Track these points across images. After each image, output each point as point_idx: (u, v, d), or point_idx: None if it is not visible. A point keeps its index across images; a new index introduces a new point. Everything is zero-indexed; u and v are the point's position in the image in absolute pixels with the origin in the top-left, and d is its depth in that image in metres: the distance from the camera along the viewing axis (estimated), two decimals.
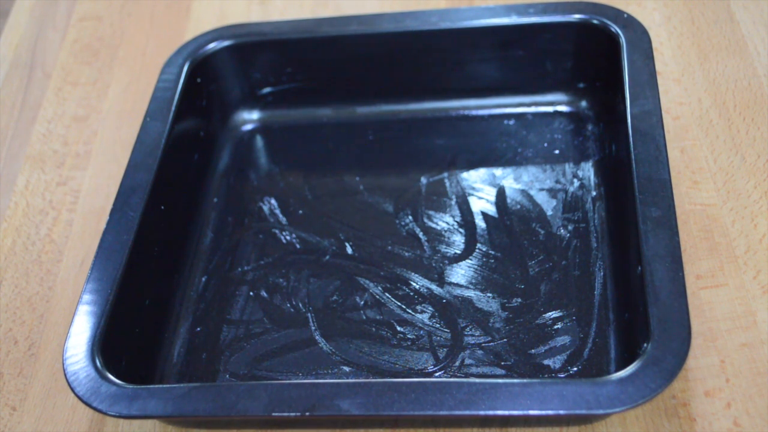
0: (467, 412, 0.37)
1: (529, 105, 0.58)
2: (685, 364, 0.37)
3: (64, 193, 0.58)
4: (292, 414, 0.38)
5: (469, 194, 0.53)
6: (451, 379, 0.44)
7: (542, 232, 0.50)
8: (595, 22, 0.53)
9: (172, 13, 0.69)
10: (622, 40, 0.51)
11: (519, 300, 0.47)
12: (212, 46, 0.57)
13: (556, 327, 0.46)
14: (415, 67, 0.57)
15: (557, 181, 0.53)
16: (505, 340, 0.46)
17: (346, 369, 0.46)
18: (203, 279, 0.52)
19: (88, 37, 0.69)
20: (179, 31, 0.67)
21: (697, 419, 0.41)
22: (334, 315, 0.49)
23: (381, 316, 0.48)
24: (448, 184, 0.54)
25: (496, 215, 0.52)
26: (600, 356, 0.44)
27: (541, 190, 0.53)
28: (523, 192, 0.53)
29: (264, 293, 0.51)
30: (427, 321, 0.48)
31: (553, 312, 0.47)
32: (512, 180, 0.53)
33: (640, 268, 0.41)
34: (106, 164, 0.59)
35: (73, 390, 0.41)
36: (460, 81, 0.58)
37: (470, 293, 0.48)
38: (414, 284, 0.49)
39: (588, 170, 0.53)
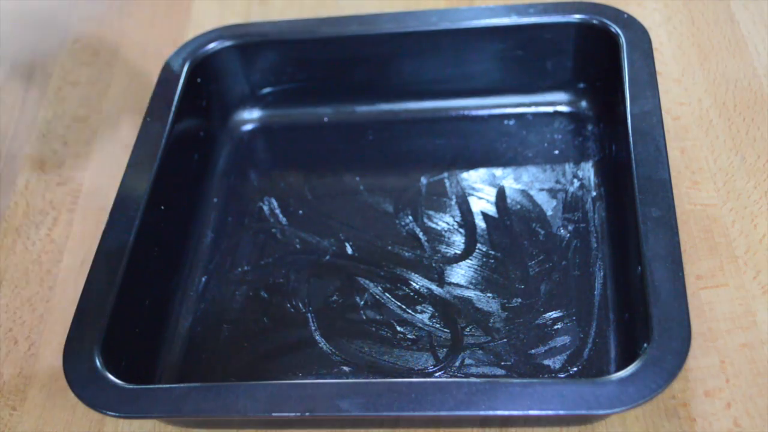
0: (467, 412, 0.37)
1: (529, 105, 0.57)
2: (685, 365, 0.37)
3: (64, 193, 0.58)
4: (292, 414, 0.38)
5: (469, 194, 0.53)
6: (451, 379, 0.44)
7: (542, 232, 0.50)
8: (595, 22, 0.53)
9: (172, 13, 0.69)
10: (622, 40, 0.51)
11: (519, 300, 0.47)
12: (212, 46, 0.57)
13: (556, 327, 0.46)
14: (415, 67, 0.57)
15: (557, 181, 0.53)
16: (505, 340, 0.46)
17: (346, 369, 0.46)
18: (203, 279, 0.52)
19: (88, 37, 0.69)
20: (179, 31, 0.67)
21: (697, 419, 0.41)
22: (334, 315, 0.49)
23: (381, 316, 0.48)
24: (448, 184, 0.54)
25: (496, 215, 0.52)
26: (600, 356, 0.44)
27: (541, 190, 0.53)
28: (523, 192, 0.53)
29: (264, 293, 0.51)
30: (427, 321, 0.48)
31: (553, 312, 0.47)
32: (512, 180, 0.53)
33: (640, 268, 0.41)
34: (106, 164, 0.59)
35: (73, 390, 0.41)
36: (460, 81, 0.58)
37: (470, 293, 0.48)
38: (414, 284, 0.49)
39: (588, 170, 0.53)
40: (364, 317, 0.48)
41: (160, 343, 0.49)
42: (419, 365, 0.46)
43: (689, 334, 0.37)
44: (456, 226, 0.52)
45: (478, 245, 0.51)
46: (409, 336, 0.47)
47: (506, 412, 0.37)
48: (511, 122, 0.57)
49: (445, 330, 0.47)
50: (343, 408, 0.38)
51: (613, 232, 0.49)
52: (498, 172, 0.54)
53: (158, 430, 0.46)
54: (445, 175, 0.55)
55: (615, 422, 0.42)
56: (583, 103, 0.57)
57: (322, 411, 0.38)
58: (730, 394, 0.42)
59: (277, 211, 0.55)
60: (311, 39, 0.56)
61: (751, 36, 0.57)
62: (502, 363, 0.45)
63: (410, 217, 0.53)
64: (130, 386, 0.41)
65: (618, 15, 0.52)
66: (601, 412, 0.36)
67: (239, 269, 0.52)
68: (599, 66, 0.54)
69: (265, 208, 0.55)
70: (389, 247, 0.51)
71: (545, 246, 0.50)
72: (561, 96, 0.57)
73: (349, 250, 0.52)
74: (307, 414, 0.38)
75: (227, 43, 0.57)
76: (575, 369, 0.44)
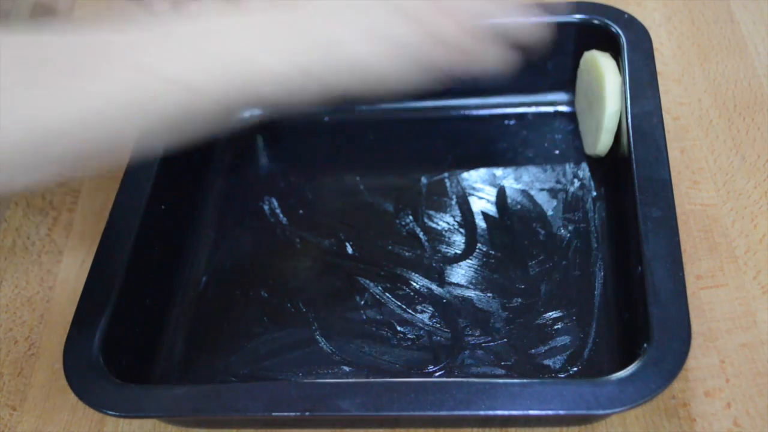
0: (467, 412, 0.37)
1: (529, 105, 0.57)
2: (685, 365, 0.37)
3: (64, 193, 0.58)
4: (292, 414, 0.38)
5: (470, 194, 0.53)
6: (451, 379, 0.44)
7: (542, 232, 0.50)
8: (596, 22, 0.52)
9: None
10: (623, 40, 0.50)
11: (519, 300, 0.47)
12: None
13: (556, 327, 0.46)
14: None
15: (557, 181, 0.53)
16: (505, 340, 0.46)
17: (346, 369, 0.46)
18: (203, 279, 0.52)
19: None
20: None
21: (697, 419, 0.41)
22: (334, 315, 0.49)
23: (381, 316, 0.48)
24: (448, 184, 0.54)
25: (497, 215, 0.52)
26: (600, 356, 0.44)
27: (542, 190, 0.53)
28: (524, 192, 0.53)
29: (264, 293, 0.51)
30: (427, 321, 0.47)
31: (553, 312, 0.47)
32: (512, 180, 0.53)
33: (640, 268, 0.41)
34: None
35: (73, 390, 0.41)
36: (460, 81, 0.57)
37: (470, 293, 0.48)
38: (414, 284, 0.49)
39: (588, 170, 0.53)
40: (364, 317, 0.48)
41: (160, 343, 0.49)
42: (419, 365, 0.46)
43: (689, 334, 0.37)
44: (456, 226, 0.52)
45: (479, 245, 0.50)
46: (409, 336, 0.47)
47: (506, 412, 0.37)
48: (512, 122, 0.57)
49: (446, 330, 0.47)
50: (343, 408, 0.38)
51: (613, 232, 0.49)
52: (498, 172, 0.54)
53: (158, 430, 0.46)
54: (446, 175, 0.55)
55: (615, 422, 0.42)
56: None
57: (322, 411, 0.38)
58: (730, 394, 0.42)
59: (278, 210, 0.55)
60: None
61: (751, 36, 0.57)
62: (502, 363, 0.45)
63: (410, 217, 0.53)
64: (131, 386, 0.41)
65: (618, 15, 0.52)
66: (601, 412, 0.36)
67: (239, 269, 0.52)
68: None
69: (266, 208, 0.55)
70: (389, 247, 0.51)
71: (545, 246, 0.50)
72: (561, 96, 0.57)
73: (349, 250, 0.52)
74: (307, 414, 0.38)
75: None
76: (575, 369, 0.44)
